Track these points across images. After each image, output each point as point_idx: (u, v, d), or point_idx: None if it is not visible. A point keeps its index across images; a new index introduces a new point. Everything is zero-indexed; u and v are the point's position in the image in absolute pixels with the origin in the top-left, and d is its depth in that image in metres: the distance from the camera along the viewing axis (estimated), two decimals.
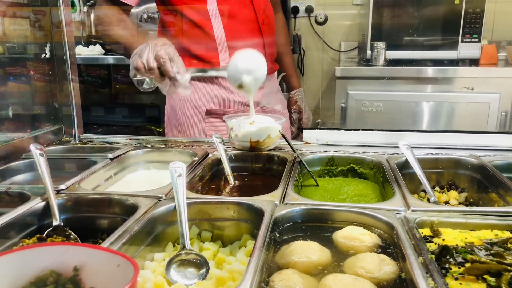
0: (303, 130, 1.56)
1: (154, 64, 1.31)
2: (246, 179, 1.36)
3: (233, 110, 1.70)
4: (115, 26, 1.55)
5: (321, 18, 3.46)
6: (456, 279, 0.70)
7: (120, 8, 1.58)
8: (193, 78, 1.45)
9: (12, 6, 1.49)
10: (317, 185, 1.28)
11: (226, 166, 1.30)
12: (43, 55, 1.59)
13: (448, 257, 0.75)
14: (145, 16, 3.09)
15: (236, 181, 1.33)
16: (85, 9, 3.26)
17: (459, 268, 0.73)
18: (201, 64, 1.65)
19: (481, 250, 0.77)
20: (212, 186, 1.32)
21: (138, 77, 1.37)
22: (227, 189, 1.28)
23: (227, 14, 1.65)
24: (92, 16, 3.30)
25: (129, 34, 1.54)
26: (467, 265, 0.73)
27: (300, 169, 1.28)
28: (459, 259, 0.75)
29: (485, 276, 0.69)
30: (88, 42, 3.28)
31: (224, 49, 1.66)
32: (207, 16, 1.63)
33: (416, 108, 2.71)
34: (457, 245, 0.80)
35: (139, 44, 1.40)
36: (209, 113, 1.71)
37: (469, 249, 0.77)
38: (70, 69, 1.62)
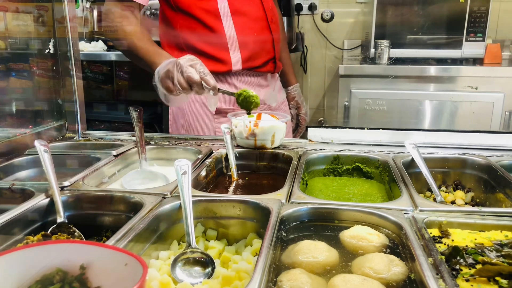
0: (308, 128, 1.55)
1: (198, 78, 1.34)
2: (247, 178, 1.35)
3: None
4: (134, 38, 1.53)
5: (327, 15, 3.43)
6: (467, 280, 0.69)
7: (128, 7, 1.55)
8: None
9: (15, 1, 1.47)
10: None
11: (231, 160, 1.29)
12: (47, 51, 1.57)
13: (458, 258, 0.74)
14: (147, 12, 3.07)
15: (241, 180, 1.31)
16: (87, 5, 3.24)
17: (470, 269, 0.72)
18: (211, 63, 1.59)
19: (491, 251, 0.76)
20: (217, 184, 1.31)
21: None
22: (232, 187, 1.27)
23: (238, 12, 1.61)
24: (95, 13, 3.27)
25: (148, 49, 1.51)
26: (478, 266, 0.72)
27: (306, 168, 1.27)
28: (470, 260, 0.74)
29: (497, 278, 0.68)
30: (90, 38, 3.26)
31: (235, 49, 1.62)
32: (217, 14, 1.59)
33: (419, 107, 2.69)
34: (466, 246, 0.79)
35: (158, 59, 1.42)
36: (219, 111, 1.68)
37: (480, 250, 0.76)
38: (73, 65, 1.60)
